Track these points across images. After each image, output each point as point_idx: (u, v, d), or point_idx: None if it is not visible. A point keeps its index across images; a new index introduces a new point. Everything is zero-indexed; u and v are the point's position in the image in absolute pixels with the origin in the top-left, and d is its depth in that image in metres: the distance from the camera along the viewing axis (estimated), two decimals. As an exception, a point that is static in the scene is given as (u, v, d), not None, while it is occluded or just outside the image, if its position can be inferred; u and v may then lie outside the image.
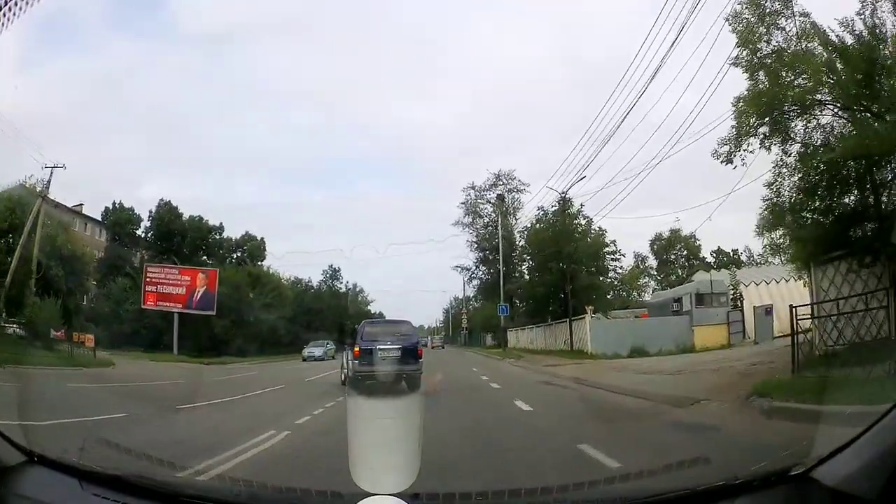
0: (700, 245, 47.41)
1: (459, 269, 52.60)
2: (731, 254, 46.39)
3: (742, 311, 24.43)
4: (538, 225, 35.86)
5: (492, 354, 33.83)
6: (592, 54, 69.06)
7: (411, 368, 12.77)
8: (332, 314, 49.82)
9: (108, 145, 59.87)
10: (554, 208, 33.31)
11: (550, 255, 32.14)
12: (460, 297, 67.07)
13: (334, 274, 56.62)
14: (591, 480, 2.98)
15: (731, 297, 26.22)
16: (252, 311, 37.60)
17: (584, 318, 26.04)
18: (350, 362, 12.99)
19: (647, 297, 41.70)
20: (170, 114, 65.34)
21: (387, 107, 78.50)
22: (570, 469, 4.70)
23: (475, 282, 53.16)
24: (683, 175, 52.87)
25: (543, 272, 33.86)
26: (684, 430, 6.72)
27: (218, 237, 44.76)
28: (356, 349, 12.81)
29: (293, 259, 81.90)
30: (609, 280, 37.13)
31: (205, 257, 42.37)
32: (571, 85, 72.81)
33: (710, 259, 47.27)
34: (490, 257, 47.98)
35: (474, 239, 50.27)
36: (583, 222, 33.57)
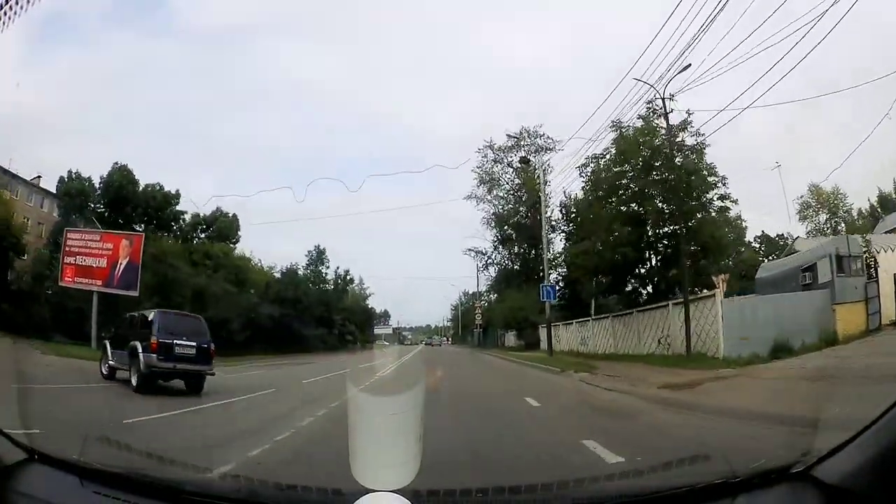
0: (746, 227, 39.63)
1: (472, 252, 43.23)
2: (777, 239, 40.21)
3: (878, 282, 17.87)
4: (613, 149, 22.34)
5: (529, 361, 22.46)
6: (607, 49, 68.06)
7: (203, 368, 12.61)
8: (317, 307, 41.25)
9: (109, 142, 59.70)
10: (637, 123, 21.24)
11: (646, 186, 20.12)
12: (471, 291, 59.88)
13: (319, 256, 47.05)
14: (591, 476, 2.99)
15: (866, 264, 18.61)
16: (193, 298, 29.01)
17: (711, 296, 16.97)
18: (144, 356, 11.95)
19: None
20: (172, 111, 65.23)
21: (393, 104, 78.26)
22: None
23: (492, 269, 43.80)
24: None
25: (622, 228, 21.09)
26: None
27: (176, 208, 37.37)
28: (154, 341, 11.98)
29: (294, 250, 77.76)
30: (733, 237, 24.18)
31: (163, 233, 35.81)
32: (585, 83, 71.75)
33: (755, 245, 40.39)
34: (513, 235, 39.29)
35: (492, 213, 40.53)
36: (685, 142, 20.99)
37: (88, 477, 2.21)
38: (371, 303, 61.85)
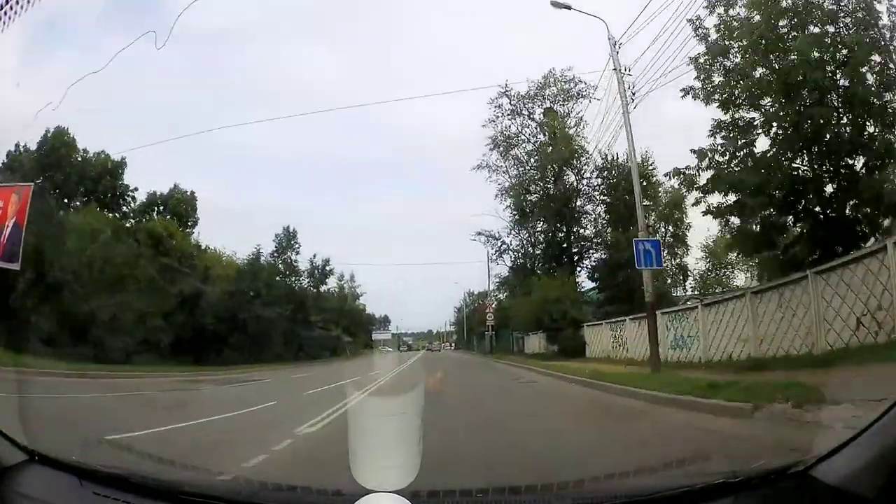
0: None
1: (482, 236, 34.90)
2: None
3: None
4: None
5: (618, 384, 10.65)
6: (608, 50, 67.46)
7: None
8: (285, 304, 32.69)
9: (107, 144, 58.90)
10: None
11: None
12: (476, 291, 55.82)
13: (289, 241, 37.51)
14: (591, 477, 3.00)
15: None
16: (94, 279, 21.66)
17: None
18: None
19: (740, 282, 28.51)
20: (171, 114, 64.65)
21: (395, 106, 77.98)
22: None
23: (507, 258, 35.28)
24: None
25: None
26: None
27: (122, 181, 30.22)
28: None
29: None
30: None
31: (104, 210, 29.03)
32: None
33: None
34: (535, 209, 31.22)
35: (506, 187, 32.31)
36: None
37: (88, 478, 2.21)
38: (370, 307, 57.89)
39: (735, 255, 25.80)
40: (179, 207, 32.95)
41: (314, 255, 40.09)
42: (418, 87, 75.01)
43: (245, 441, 6.26)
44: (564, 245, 31.04)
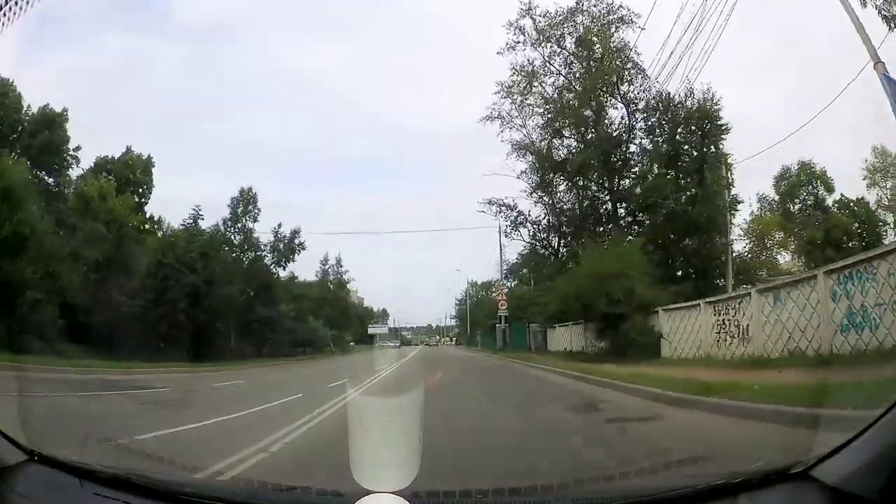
0: (833, 183, 31.00)
1: (493, 205, 28.56)
2: (855, 202, 30.93)
3: None
4: None
5: None
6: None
7: None
8: (237, 287, 26.93)
9: (105, 144, 58.47)
10: None
11: None
12: (480, 281, 53.61)
13: (245, 205, 30.07)
14: (590, 478, 3.00)
15: None
16: None
17: None
18: None
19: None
20: (169, 111, 64.28)
21: (392, 101, 77.64)
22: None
23: (523, 232, 28.88)
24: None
25: None
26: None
27: (56, 133, 25.09)
28: None
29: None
30: None
31: (37, 169, 24.23)
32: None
33: (835, 210, 31.54)
34: (569, 160, 24.84)
35: (524, 134, 26.36)
36: None
37: (88, 478, 2.21)
38: (368, 301, 57.33)
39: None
40: (125, 172, 27.99)
41: (279, 225, 32.04)
42: (418, 82, 74.73)
43: None
44: (609, 205, 24.68)
